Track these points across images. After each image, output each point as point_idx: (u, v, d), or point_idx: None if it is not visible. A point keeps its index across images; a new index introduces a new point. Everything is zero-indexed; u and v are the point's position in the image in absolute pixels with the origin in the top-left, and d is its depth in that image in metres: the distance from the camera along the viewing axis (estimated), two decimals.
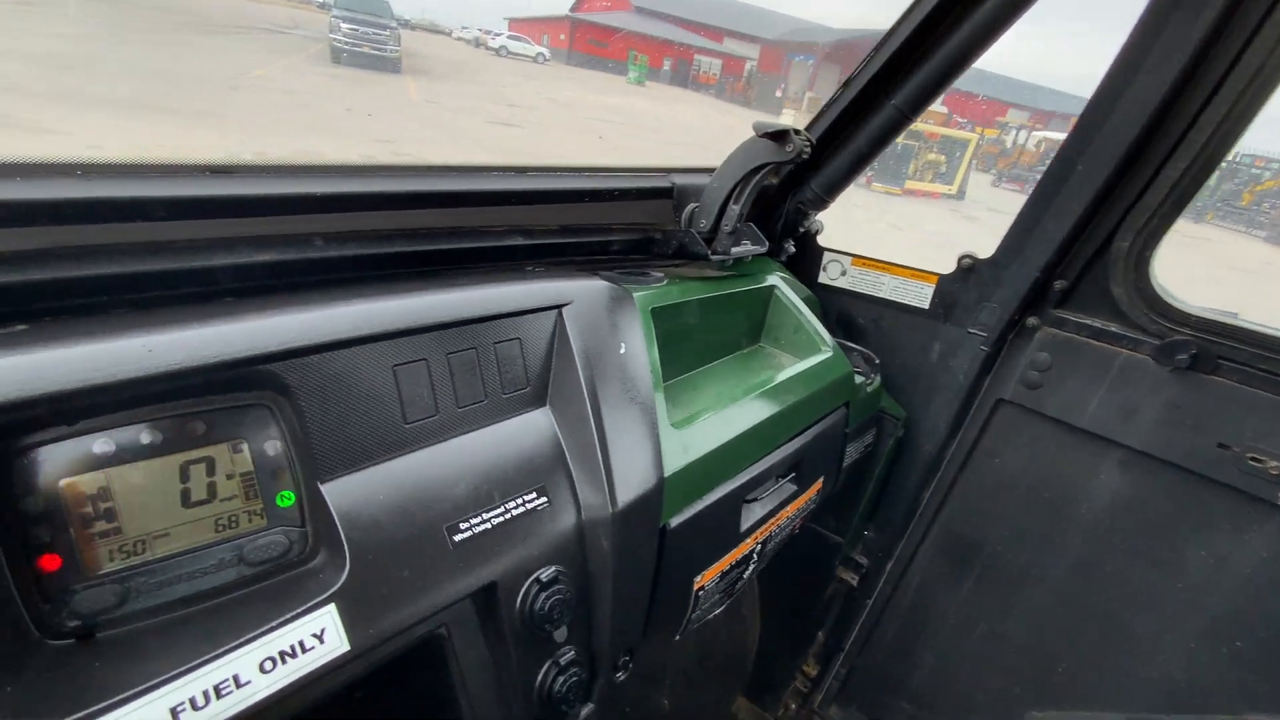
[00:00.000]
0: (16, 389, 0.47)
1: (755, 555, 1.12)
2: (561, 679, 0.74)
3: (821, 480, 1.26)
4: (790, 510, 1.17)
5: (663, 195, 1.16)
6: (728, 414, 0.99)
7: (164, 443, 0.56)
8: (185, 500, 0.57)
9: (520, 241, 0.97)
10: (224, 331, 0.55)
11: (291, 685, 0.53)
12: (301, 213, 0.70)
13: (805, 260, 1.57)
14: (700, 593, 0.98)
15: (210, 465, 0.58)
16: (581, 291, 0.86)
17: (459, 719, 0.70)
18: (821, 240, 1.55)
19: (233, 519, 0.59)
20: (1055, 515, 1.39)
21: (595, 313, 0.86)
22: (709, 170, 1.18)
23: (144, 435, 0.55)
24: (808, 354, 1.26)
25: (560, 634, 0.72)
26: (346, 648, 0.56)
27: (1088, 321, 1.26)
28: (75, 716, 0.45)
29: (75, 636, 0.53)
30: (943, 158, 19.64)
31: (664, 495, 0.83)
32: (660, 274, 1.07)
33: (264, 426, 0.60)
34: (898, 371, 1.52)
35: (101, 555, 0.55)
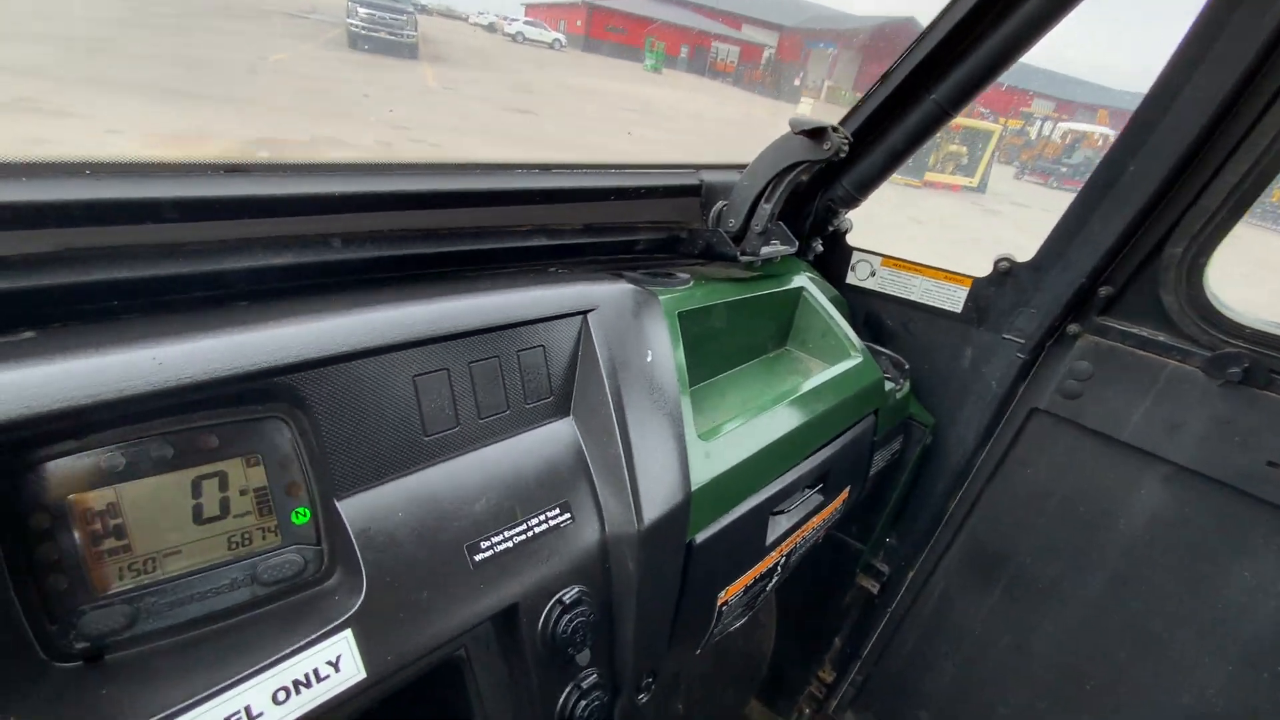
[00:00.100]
0: (23, 405, 0.44)
1: (779, 568, 1.08)
2: (584, 703, 0.71)
3: (848, 489, 1.22)
4: (816, 521, 1.13)
5: (690, 193, 1.11)
6: (755, 424, 0.95)
7: (175, 457, 0.53)
8: (197, 517, 0.55)
9: (543, 242, 0.93)
10: (237, 342, 0.52)
11: (305, 716, 0.50)
12: (319, 213, 0.67)
13: (833, 260, 1.51)
14: (724, 608, 0.95)
15: (223, 480, 0.55)
16: (607, 296, 0.82)
17: None
18: (850, 239, 1.50)
19: (246, 536, 0.57)
20: (1089, 529, 1.34)
21: (621, 318, 0.83)
22: (739, 167, 1.13)
23: (154, 449, 0.53)
24: (836, 359, 1.22)
25: (583, 657, 0.69)
26: (362, 675, 0.53)
27: (1134, 330, 1.20)
28: None
29: (83, 659, 0.51)
30: (964, 149, 19.24)
31: (690, 509, 0.80)
32: (686, 275, 1.03)
33: (279, 440, 0.57)
34: (927, 377, 1.47)
35: (110, 574, 0.53)
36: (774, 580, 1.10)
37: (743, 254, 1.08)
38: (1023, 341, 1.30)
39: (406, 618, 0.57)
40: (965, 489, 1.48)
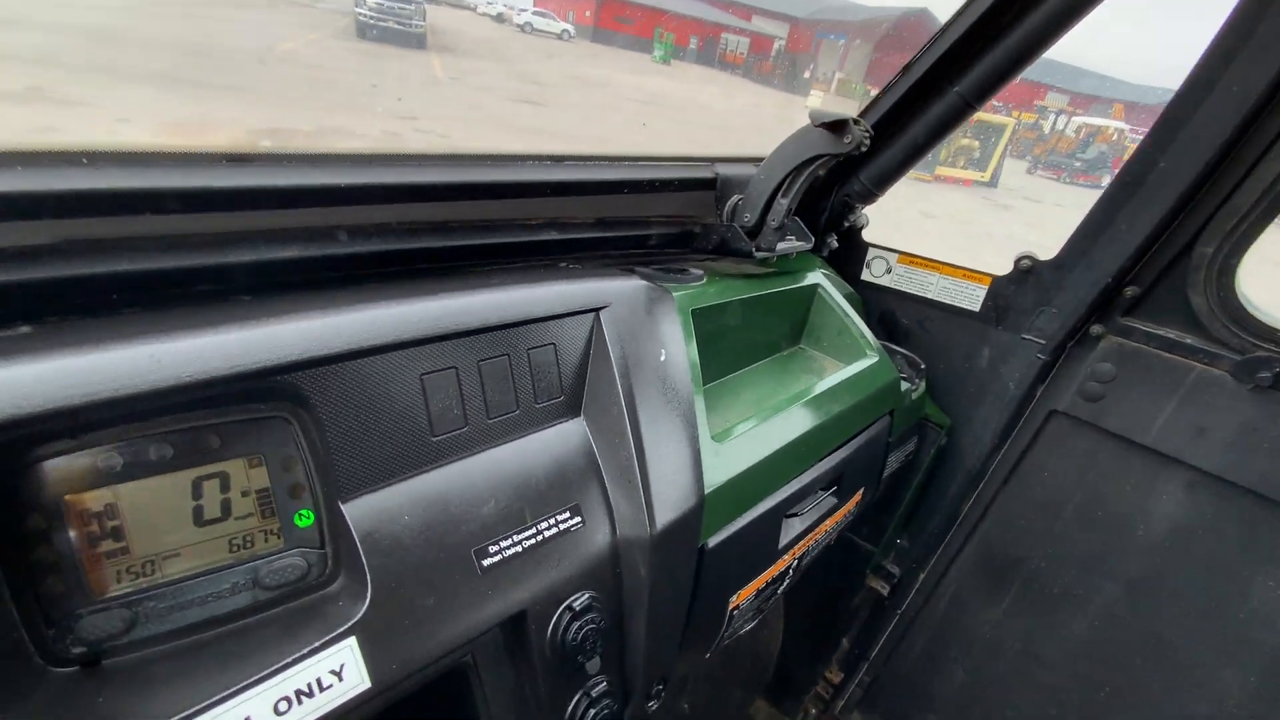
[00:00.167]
0: (16, 404, 0.42)
1: (791, 571, 1.06)
2: (593, 712, 0.70)
3: (862, 491, 1.20)
4: (829, 524, 1.11)
5: (704, 186, 1.09)
6: (770, 425, 0.93)
7: (175, 457, 0.52)
8: (197, 518, 0.53)
9: (554, 236, 0.91)
10: (238, 339, 0.50)
11: None
12: (325, 205, 0.65)
13: (848, 256, 1.48)
14: (735, 612, 0.93)
15: (224, 481, 0.54)
16: (620, 293, 0.80)
17: None
18: (866, 235, 1.46)
19: (248, 539, 0.55)
20: (1107, 534, 1.31)
21: (634, 316, 0.80)
22: (755, 160, 1.10)
23: (154, 449, 0.51)
24: (852, 358, 1.19)
25: (593, 665, 0.67)
26: (367, 685, 0.52)
27: (1159, 332, 1.17)
28: None
29: (80, 664, 0.50)
30: (976, 143, 19.01)
31: (704, 514, 0.78)
32: (700, 271, 1.00)
33: (282, 440, 0.55)
34: (942, 377, 1.44)
35: (108, 577, 0.51)
36: (785, 583, 1.08)
37: (758, 249, 1.05)
38: (1043, 342, 1.27)
39: (412, 625, 0.55)
40: (980, 491, 1.45)
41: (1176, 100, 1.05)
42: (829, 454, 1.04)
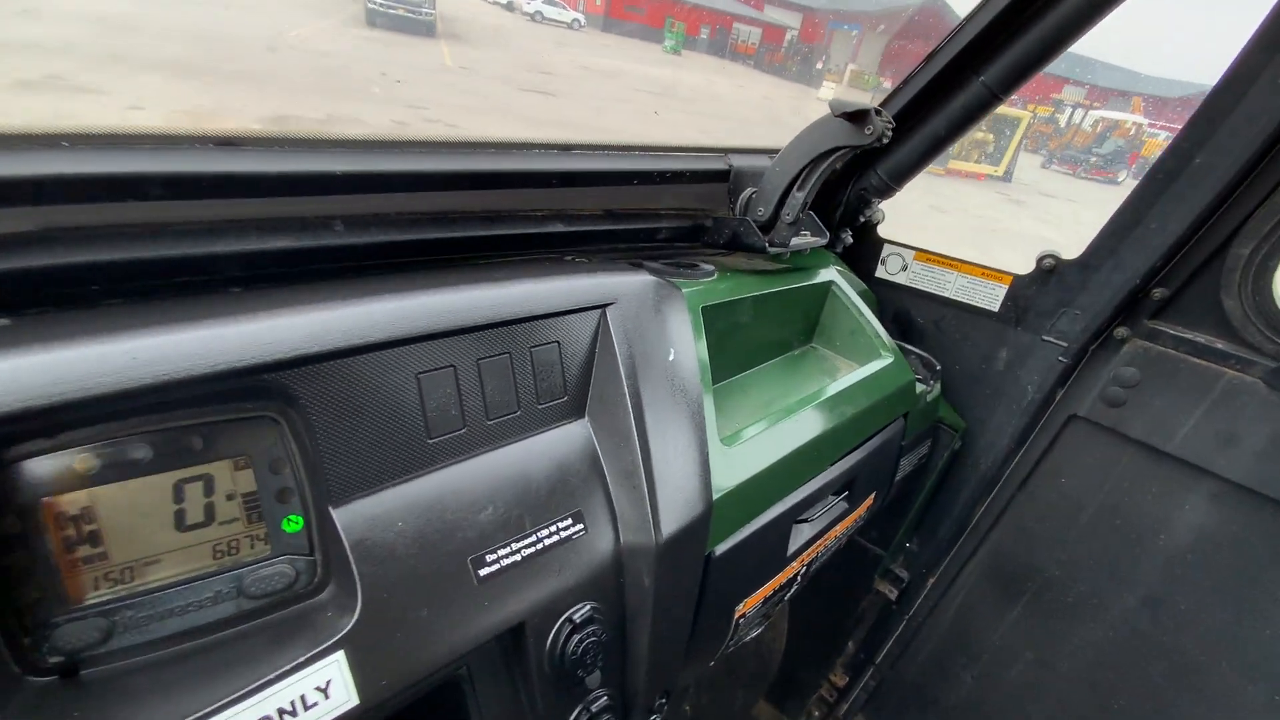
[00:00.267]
0: None
1: (799, 577, 1.03)
2: None
3: (873, 496, 1.16)
4: (839, 529, 1.07)
5: (717, 179, 1.05)
6: (781, 428, 0.89)
7: (156, 459, 0.49)
8: (179, 523, 0.50)
9: (560, 228, 0.87)
10: (222, 335, 0.47)
11: None
12: (320, 193, 0.62)
13: (862, 252, 1.44)
14: (741, 620, 0.90)
15: (208, 484, 0.51)
16: (627, 288, 0.77)
17: None
18: (882, 231, 1.42)
19: (233, 545, 0.52)
20: (1126, 544, 1.27)
21: (642, 313, 0.77)
22: (770, 151, 1.06)
23: (133, 450, 0.48)
24: (866, 359, 1.15)
25: (593, 679, 0.65)
26: (355, 702, 0.49)
27: (1189, 336, 1.12)
28: None
29: (58, 673, 0.48)
30: (990, 136, 18.74)
31: (711, 521, 0.75)
32: (710, 266, 0.96)
33: (270, 442, 0.52)
34: (958, 378, 1.39)
35: (86, 583, 0.48)
36: (793, 589, 1.05)
37: (771, 245, 1.01)
38: (1064, 344, 1.22)
39: (404, 638, 0.53)
40: (994, 497, 1.42)
41: (1215, 93, 1.00)
42: (841, 458, 1.01)
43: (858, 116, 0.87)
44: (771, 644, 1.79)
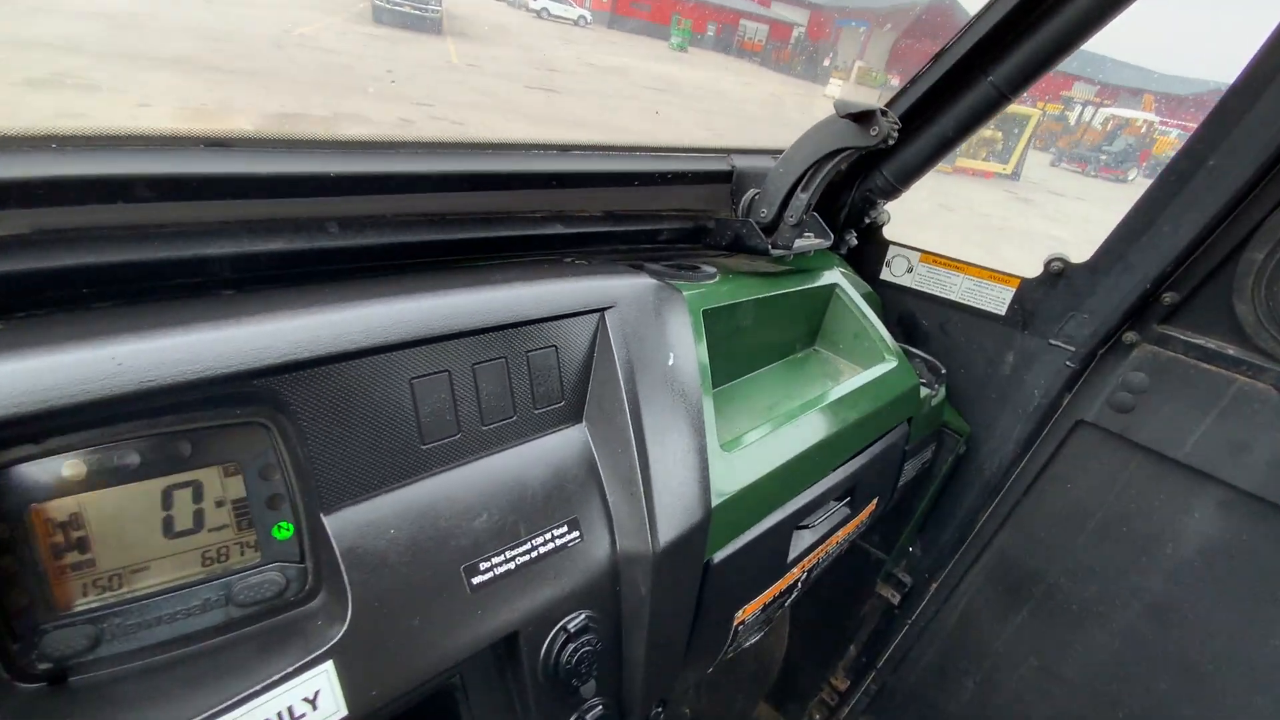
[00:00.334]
0: None
1: (800, 584, 1.02)
2: None
3: (876, 501, 1.15)
4: (841, 535, 1.06)
5: (720, 179, 1.03)
6: (782, 433, 0.88)
7: (144, 465, 0.48)
8: (168, 529, 0.50)
9: (559, 230, 0.86)
10: (210, 340, 0.46)
11: None
12: (313, 194, 0.61)
13: (867, 253, 1.42)
14: (740, 627, 0.89)
15: (197, 491, 0.50)
16: (627, 291, 0.76)
17: None
18: (887, 232, 1.40)
19: (222, 552, 0.52)
20: (1132, 551, 1.25)
21: (642, 316, 0.76)
22: (774, 152, 1.05)
23: (121, 456, 0.48)
24: (870, 362, 1.14)
25: (588, 688, 0.64)
26: (344, 713, 0.48)
27: (1199, 342, 1.10)
28: None
29: (47, 680, 0.47)
30: (999, 134, 18.59)
31: (710, 528, 0.74)
32: (712, 268, 0.95)
33: (260, 448, 0.52)
34: (963, 382, 1.38)
35: (74, 590, 0.48)
36: (793, 595, 1.04)
37: (774, 247, 1.00)
38: (1072, 349, 1.20)
39: (395, 648, 0.52)
40: (998, 502, 1.40)
41: (1231, 94, 0.97)
42: (843, 463, 1.00)
43: (863, 117, 0.86)
44: (772, 647, 1.78)
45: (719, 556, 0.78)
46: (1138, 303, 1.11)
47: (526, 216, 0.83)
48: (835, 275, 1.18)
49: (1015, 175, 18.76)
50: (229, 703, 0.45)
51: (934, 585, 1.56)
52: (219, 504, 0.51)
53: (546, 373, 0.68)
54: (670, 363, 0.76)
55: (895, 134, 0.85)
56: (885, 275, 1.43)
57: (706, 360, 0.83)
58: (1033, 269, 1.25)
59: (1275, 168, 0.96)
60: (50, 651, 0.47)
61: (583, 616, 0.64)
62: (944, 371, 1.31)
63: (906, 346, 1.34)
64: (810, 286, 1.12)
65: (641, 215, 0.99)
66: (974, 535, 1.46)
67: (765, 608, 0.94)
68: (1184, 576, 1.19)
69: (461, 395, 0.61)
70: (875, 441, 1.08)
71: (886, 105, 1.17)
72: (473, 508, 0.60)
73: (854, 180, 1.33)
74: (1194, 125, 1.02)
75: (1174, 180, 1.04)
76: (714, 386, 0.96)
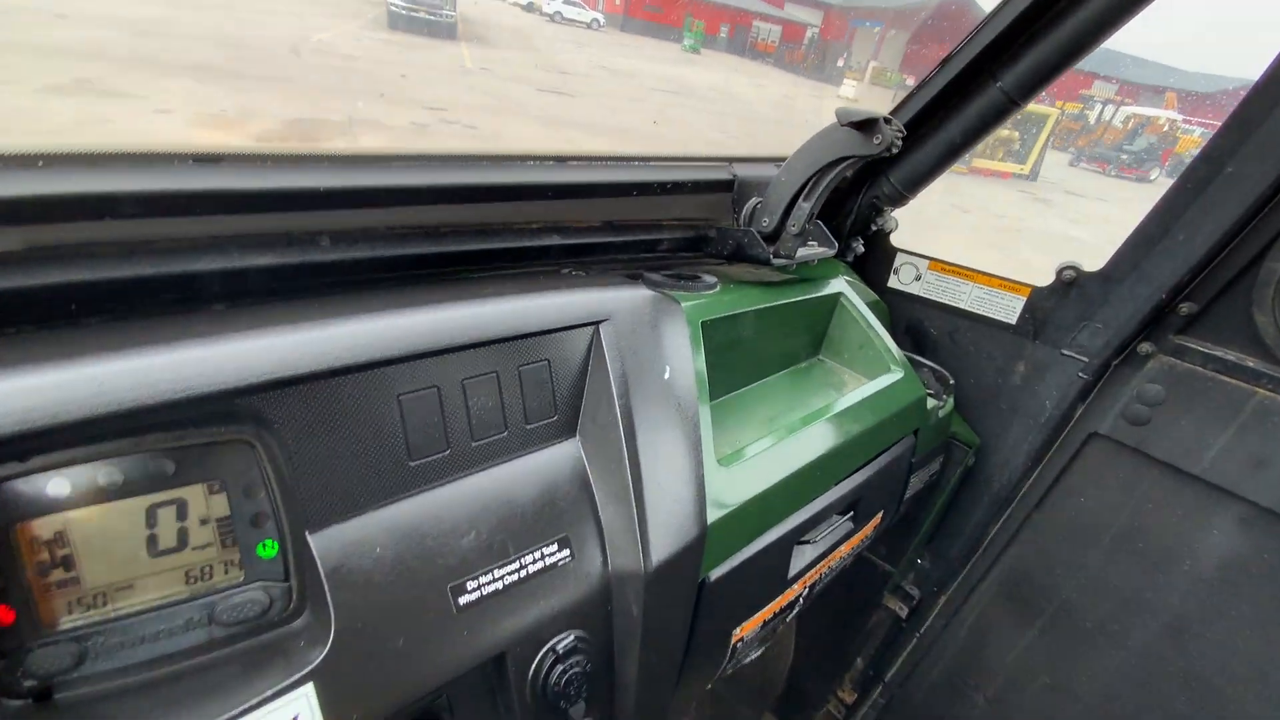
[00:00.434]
0: None
1: (802, 599, 1.00)
2: None
3: (881, 515, 1.13)
4: (844, 550, 1.04)
5: (721, 188, 1.02)
6: (783, 446, 0.86)
7: (128, 483, 0.48)
8: (151, 548, 0.50)
9: (557, 241, 0.86)
10: (192, 359, 0.46)
11: None
12: (304, 209, 0.61)
13: (874, 261, 1.40)
14: (738, 644, 0.88)
15: (181, 509, 0.50)
16: (622, 304, 0.75)
17: None
18: (895, 240, 1.38)
19: (206, 570, 0.51)
20: (1149, 569, 1.21)
21: (638, 329, 0.75)
22: (776, 160, 1.03)
23: (104, 475, 0.48)
24: (875, 373, 1.11)
25: (577, 710, 0.63)
26: None
27: (1217, 353, 1.06)
28: None
29: (32, 697, 0.47)
30: (1016, 134, 18.30)
31: (705, 546, 0.72)
32: (713, 278, 0.94)
33: (244, 466, 0.51)
34: (972, 392, 1.35)
35: (59, 608, 0.48)
36: (795, 611, 1.02)
37: (776, 256, 0.99)
38: (1085, 359, 1.17)
39: (377, 670, 0.51)
40: (1008, 515, 1.37)
41: (1251, 98, 0.94)
42: (847, 476, 0.98)
43: (866, 125, 0.84)
44: (778, 658, 1.76)
45: (716, 574, 0.76)
46: (1153, 313, 1.08)
47: (523, 228, 0.83)
48: (840, 284, 1.16)
49: (1033, 175, 18.47)
50: None
51: (943, 598, 1.53)
52: (203, 522, 0.51)
53: (539, 387, 0.68)
54: (666, 376, 0.75)
55: (899, 142, 0.83)
56: (893, 283, 1.40)
57: (705, 372, 0.82)
58: (1048, 275, 1.21)
59: None
60: (35, 669, 0.47)
61: (572, 637, 0.63)
62: (952, 382, 1.28)
63: (914, 356, 1.31)
64: (814, 296, 1.10)
65: (642, 225, 0.98)
66: (984, 548, 1.43)
67: (765, 624, 0.92)
68: (1202, 595, 1.15)
69: (451, 411, 0.60)
70: (880, 454, 1.06)
71: (892, 112, 1.15)
72: (461, 526, 0.59)
73: (860, 187, 1.31)
74: (1219, 123, 0.99)
75: (1191, 188, 1.01)
76: (713, 399, 0.95)
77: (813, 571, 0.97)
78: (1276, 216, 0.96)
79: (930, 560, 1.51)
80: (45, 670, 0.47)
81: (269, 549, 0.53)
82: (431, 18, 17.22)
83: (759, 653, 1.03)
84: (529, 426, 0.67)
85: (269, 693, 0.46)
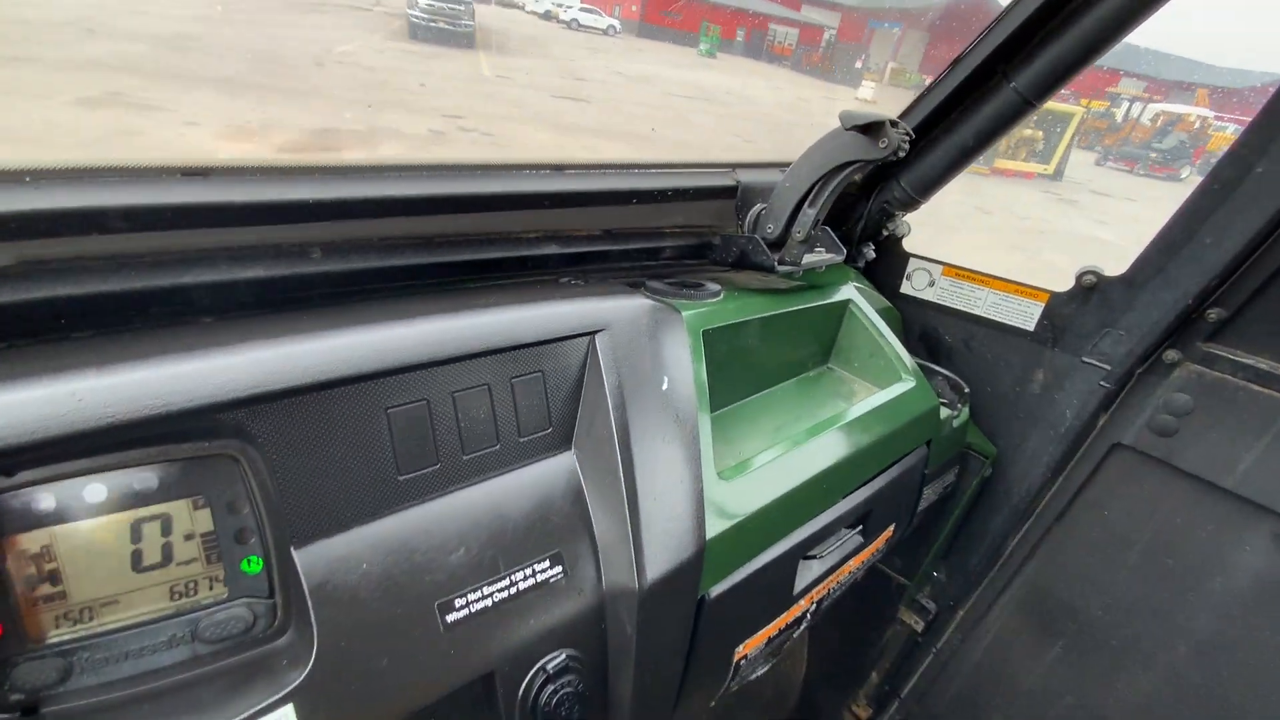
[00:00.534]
0: None
1: (809, 615, 0.97)
2: None
3: (893, 527, 1.09)
4: (854, 564, 1.01)
5: (725, 195, 1.00)
6: (788, 458, 0.84)
7: (112, 498, 0.48)
8: (136, 563, 0.49)
9: (556, 250, 0.85)
10: (173, 374, 0.46)
11: None
12: (293, 221, 0.61)
13: (885, 267, 1.37)
14: (742, 662, 0.85)
15: (166, 524, 0.50)
16: (619, 313, 0.73)
17: None
18: (908, 244, 1.34)
19: (190, 586, 0.51)
20: (1178, 586, 1.16)
21: (635, 339, 0.73)
22: (780, 165, 1.01)
23: (90, 490, 0.47)
24: (886, 382, 1.08)
25: None
26: None
27: (1249, 361, 1.01)
28: None
29: (19, 710, 0.47)
30: (1039, 134, 17.93)
31: (704, 562, 0.70)
32: (717, 285, 0.92)
33: (228, 481, 0.51)
34: (989, 401, 1.31)
35: (46, 623, 0.48)
36: (802, 627, 0.99)
37: (781, 264, 0.97)
38: (1108, 368, 1.13)
39: (361, 690, 0.50)
40: (1028, 528, 1.32)
41: (1279, 97, 0.90)
42: (856, 489, 0.95)
43: (871, 129, 0.82)
44: (790, 672, 1.72)
45: (716, 590, 0.74)
46: (1179, 319, 1.03)
47: (521, 237, 0.82)
48: (849, 290, 1.14)
49: (1057, 175, 18.08)
50: None
51: (960, 613, 1.48)
52: (188, 537, 0.50)
53: (533, 399, 0.66)
54: (664, 387, 0.74)
55: (906, 145, 0.81)
56: (906, 289, 1.37)
57: (706, 382, 0.80)
58: (1072, 278, 1.17)
59: None
60: (22, 683, 0.47)
61: (563, 656, 0.61)
62: (967, 390, 1.24)
63: (928, 364, 1.28)
64: (822, 303, 1.07)
65: (643, 233, 0.97)
66: (1002, 562, 1.38)
67: (770, 641, 0.90)
68: (1234, 614, 1.10)
69: (441, 424, 0.60)
70: (891, 465, 1.03)
71: (901, 115, 1.12)
72: (450, 542, 0.58)
73: (870, 192, 1.28)
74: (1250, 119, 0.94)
75: (1218, 187, 0.96)
76: (716, 409, 0.93)
77: (820, 587, 0.94)
78: None
79: (946, 573, 1.47)
80: (32, 684, 0.47)
81: (253, 565, 0.52)
82: (451, 27, 17.49)
83: (765, 669, 1.01)
84: (522, 439, 0.65)
85: (248, 713, 0.45)
